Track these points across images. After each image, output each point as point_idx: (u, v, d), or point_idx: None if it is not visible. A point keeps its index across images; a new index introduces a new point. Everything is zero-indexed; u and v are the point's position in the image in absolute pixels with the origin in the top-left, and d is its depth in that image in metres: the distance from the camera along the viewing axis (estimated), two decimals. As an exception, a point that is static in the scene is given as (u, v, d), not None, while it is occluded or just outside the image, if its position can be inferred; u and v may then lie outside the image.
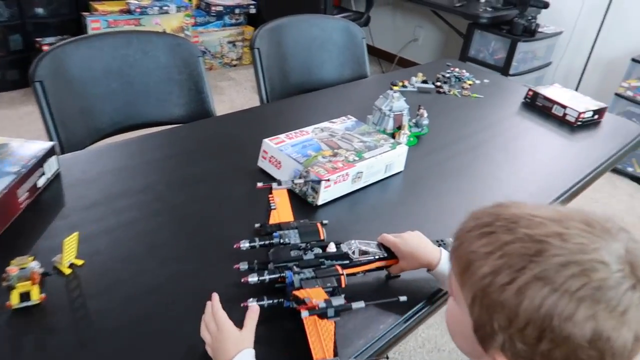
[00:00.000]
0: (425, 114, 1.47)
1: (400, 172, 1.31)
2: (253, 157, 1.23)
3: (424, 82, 1.86)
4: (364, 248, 0.91)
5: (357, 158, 1.20)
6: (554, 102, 1.74)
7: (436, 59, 3.87)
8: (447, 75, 1.94)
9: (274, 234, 0.90)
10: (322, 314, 0.75)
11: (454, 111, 1.72)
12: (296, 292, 0.79)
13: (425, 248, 0.90)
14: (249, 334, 0.74)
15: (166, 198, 1.08)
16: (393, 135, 1.41)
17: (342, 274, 0.84)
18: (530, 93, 1.81)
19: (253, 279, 0.81)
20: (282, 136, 1.23)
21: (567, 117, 1.70)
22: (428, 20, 4.15)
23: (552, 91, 1.81)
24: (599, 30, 3.27)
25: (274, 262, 0.85)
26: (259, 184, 1.03)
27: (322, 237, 0.92)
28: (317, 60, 1.98)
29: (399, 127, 1.42)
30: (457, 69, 2.02)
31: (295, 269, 0.83)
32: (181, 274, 0.90)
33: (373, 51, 4.31)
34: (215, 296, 0.79)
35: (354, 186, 1.20)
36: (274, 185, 1.05)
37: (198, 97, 1.63)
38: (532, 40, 3.21)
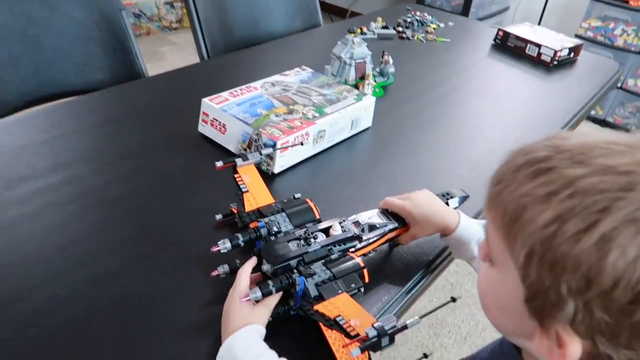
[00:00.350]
0: (391, 61, 1.29)
1: (368, 128, 1.13)
2: (193, 123, 1.02)
3: (385, 27, 1.66)
4: (372, 221, 0.75)
5: (317, 114, 1.00)
6: (527, 42, 1.58)
7: (390, 11, 3.66)
8: (409, 19, 1.75)
9: (259, 223, 0.70)
10: (373, 346, 0.55)
11: (420, 57, 1.54)
12: (320, 308, 0.60)
13: (441, 210, 0.77)
14: (264, 308, 0.62)
15: (83, 180, 0.86)
16: (356, 87, 1.22)
17: (364, 267, 0.67)
18: (501, 34, 1.65)
19: (255, 294, 0.61)
20: (225, 94, 1.02)
21: (543, 57, 1.54)
22: (380, -30, 3.92)
23: (523, 30, 1.65)
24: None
25: (271, 263, 0.65)
26: (218, 164, 0.79)
27: (317, 216, 0.75)
28: (263, 11, 1.74)
29: (362, 77, 1.23)
30: (418, 13, 1.83)
31: (303, 269, 0.64)
32: (101, 278, 0.69)
33: (323, 7, 4.04)
34: (252, 261, 0.67)
35: (316, 148, 1.01)
36: (238, 161, 0.82)
37: (125, 58, 1.38)
38: (489, -17, 3.04)
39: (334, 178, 0.97)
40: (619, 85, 2.85)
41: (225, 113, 0.97)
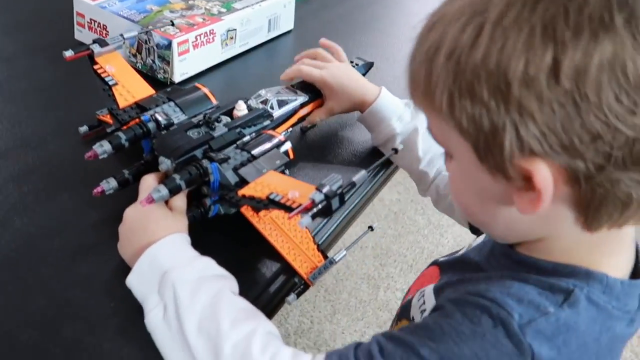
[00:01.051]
0: None
1: (290, 31, 0.96)
2: (68, 30, 0.81)
3: None
4: (281, 97, 0.65)
5: (224, 10, 0.82)
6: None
7: None
8: None
9: (142, 116, 0.55)
10: (324, 211, 0.44)
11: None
12: (246, 191, 0.49)
13: (361, 82, 0.70)
14: (181, 215, 0.52)
15: None
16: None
17: (286, 140, 0.56)
18: None
19: (159, 193, 0.48)
20: None
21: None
22: None
23: None
24: None
25: (170, 157, 0.52)
26: (67, 53, 0.60)
27: (214, 101, 0.61)
28: None
29: None
30: None
31: (218, 155, 0.52)
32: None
33: None
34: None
35: (226, 52, 0.84)
36: (95, 48, 0.62)
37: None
38: None
39: (250, 88, 0.79)
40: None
41: (104, 11, 0.77)
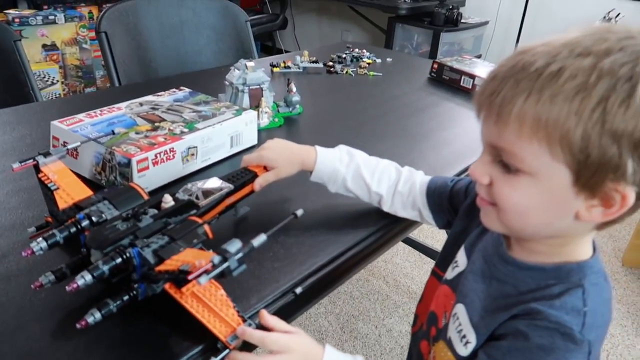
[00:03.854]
0: (294, 89, 1.19)
1: (254, 145, 1.03)
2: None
3: (315, 62, 1.58)
4: (206, 187, 0.71)
5: (186, 130, 0.90)
6: (461, 73, 1.49)
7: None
8: (344, 55, 1.67)
9: (78, 215, 0.60)
10: (224, 271, 0.51)
11: (343, 90, 1.44)
12: (162, 267, 0.54)
13: (294, 146, 0.79)
14: (304, 337, 0.59)
15: None
16: (256, 116, 1.11)
17: (204, 222, 0.62)
18: (436, 66, 1.56)
19: (83, 280, 0.52)
20: (80, 115, 0.92)
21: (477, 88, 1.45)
22: (354, 23, 3.95)
23: (462, 63, 1.57)
24: (523, 18, 3.12)
25: (99, 249, 0.57)
26: (15, 165, 0.67)
27: (146, 197, 0.67)
28: (192, 48, 1.68)
29: (257, 105, 1.13)
30: (357, 50, 1.75)
31: (138, 242, 0.58)
32: None
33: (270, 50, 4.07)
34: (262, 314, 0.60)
35: (187, 168, 0.90)
36: (40, 160, 0.70)
37: (20, 92, 1.30)
38: (455, 30, 3.02)
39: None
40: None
41: (75, 134, 0.86)
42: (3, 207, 0.77)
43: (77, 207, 0.63)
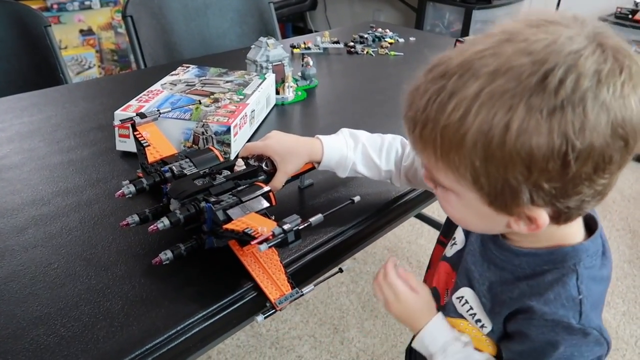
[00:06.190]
0: (311, 63, 1.21)
1: (274, 106, 1.12)
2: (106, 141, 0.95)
3: (336, 42, 1.58)
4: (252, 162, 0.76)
5: (241, 96, 0.98)
6: (484, 52, 1.45)
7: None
8: (366, 35, 1.66)
9: (163, 169, 0.70)
10: (282, 242, 0.57)
11: (362, 70, 1.44)
12: (229, 226, 0.61)
13: (298, 138, 0.77)
14: (427, 295, 0.67)
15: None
16: (276, 91, 1.14)
17: (270, 190, 0.68)
18: (458, 45, 1.53)
19: (162, 224, 0.62)
20: (132, 102, 0.94)
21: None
22: (386, 2, 3.89)
23: (485, 41, 1.53)
24: (562, -7, 2.99)
25: (177, 199, 0.66)
26: (116, 122, 0.80)
27: (221, 159, 0.75)
28: (216, 31, 1.71)
29: (283, 80, 1.15)
30: (380, 29, 1.74)
31: (213, 199, 0.65)
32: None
33: (297, 31, 4.05)
34: (391, 262, 0.68)
35: (252, 129, 1.00)
36: (137, 119, 0.80)
37: (50, 75, 1.36)
38: (489, 7, 2.94)
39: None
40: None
41: (154, 113, 0.88)
42: (27, 183, 0.82)
43: (163, 162, 0.72)
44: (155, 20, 1.56)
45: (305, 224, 0.58)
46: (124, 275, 0.63)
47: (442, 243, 0.74)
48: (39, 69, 1.34)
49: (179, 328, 0.57)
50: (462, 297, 0.62)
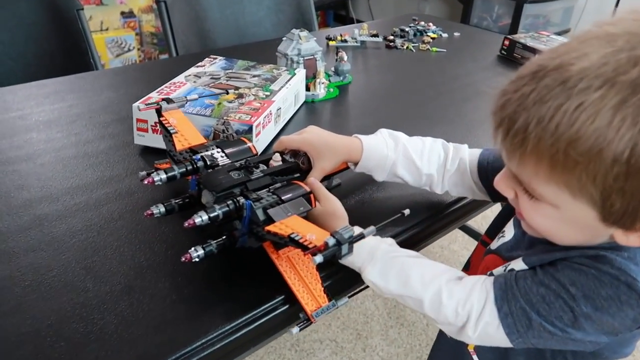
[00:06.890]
0: (345, 58, 1.13)
1: (303, 103, 1.05)
2: (124, 134, 0.91)
3: (375, 36, 1.50)
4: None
5: (267, 93, 0.91)
6: (535, 52, 1.35)
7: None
8: (407, 29, 1.57)
9: (194, 157, 0.64)
10: (334, 253, 0.51)
11: (400, 67, 1.36)
12: (272, 228, 0.55)
13: (336, 135, 0.71)
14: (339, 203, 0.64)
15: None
16: (307, 87, 1.07)
17: (310, 192, 0.63)
18: (507, 42, 1.42)
19: (200, 219, 0.56)
20: (153, 94, 0.89)
21: (552, 69, 1.30)
22: (431, -8, 3.74)
23: (537, 40, 1.42)
24: (623, -13, 2.80)
25: (213, 190, 0.60)
26: (141, 106, 0.72)
27: (255, 152, 0.70)
28: (251, 18, 1.65)
29: (314, 76, 1.09)
30: (422, 23, 1.64)
31: (252, 195, 0.60)
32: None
33: (339, 19, 3.94)
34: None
35: (277, 128, 0.93)
36: (164, 105, 0.73)
37: (80, 60, 1.33)
38: (541, 0, 2.77)
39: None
40: None
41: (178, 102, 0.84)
42: (38, 177, 0.78)
43: (192, 150, 0.67)
44: (189, 7, 1.52)
45: (359, 237, 0.52)
46: (122, 291, 0.58)
47: (484, 243, 0.70)
48: (69, 53, 1.31)
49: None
50: (511, 267, 0.56)
